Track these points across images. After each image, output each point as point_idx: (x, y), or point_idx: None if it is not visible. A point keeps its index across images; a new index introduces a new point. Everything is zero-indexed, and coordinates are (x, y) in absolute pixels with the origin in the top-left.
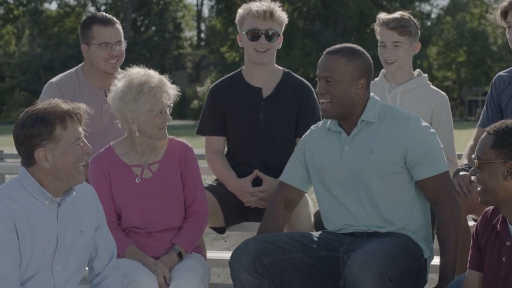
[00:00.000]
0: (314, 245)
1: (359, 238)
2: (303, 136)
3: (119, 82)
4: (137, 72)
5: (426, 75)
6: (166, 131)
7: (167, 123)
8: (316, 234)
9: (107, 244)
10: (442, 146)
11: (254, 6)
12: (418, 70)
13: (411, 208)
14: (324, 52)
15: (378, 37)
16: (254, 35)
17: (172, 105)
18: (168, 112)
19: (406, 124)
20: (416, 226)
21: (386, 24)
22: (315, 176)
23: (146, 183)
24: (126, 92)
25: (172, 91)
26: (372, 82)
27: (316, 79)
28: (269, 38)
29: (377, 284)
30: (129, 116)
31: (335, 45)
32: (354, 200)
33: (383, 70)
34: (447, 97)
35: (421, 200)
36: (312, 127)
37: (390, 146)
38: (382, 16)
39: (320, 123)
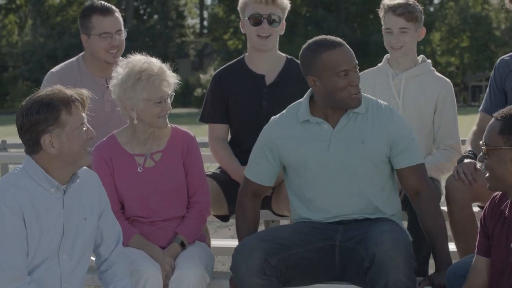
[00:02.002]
0: (310, 237)
1: (351, 225)
2: (265, 129)
3: (121, 68)
4: (139, 59)
5: (429, 61)
6: (167, 119)
7: (168, 111)
8: (306, 225)
9: (112, 229)
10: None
11: None
12: (422, 56)
13: (394, 195)
14: (336, 45)
15: (382, 23)
16: (256, 21)
17: (173, 93)
18: (168, 100)
19: (391, 115)
20: (398, 213)
21: (392, 10)
22: (291, 170)
23: (148, 172)
24: (125, 80)
25: (172, 79)
26: (374, 68)
27: (342, 73)
28: (271, 22)
29: (406, 262)
30: (128, 104)
31: (337, 31)
32: (341, 191)
33: (386, 56)
34: (451, 84)
35: (396, 189)
36: (273, 118)
37: (380, 136)
38: (388, 2)
39: (283, 114)
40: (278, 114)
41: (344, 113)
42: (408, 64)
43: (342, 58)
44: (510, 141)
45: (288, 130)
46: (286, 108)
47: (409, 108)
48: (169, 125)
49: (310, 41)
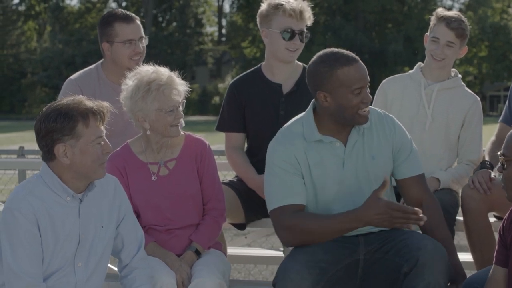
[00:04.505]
0: (339, 254)
1: (370, 237)
2: (272, 153)
3: (130, 80)
4: (147, 70)
5: (460, 75)
6: (179, 128)
7: (180, 119)
8: (329, 242)
9: (134, 234)
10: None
11: (286, 3)
12: (455, 70)
13: None
14: (352, 61)
15: (430, 31)
16: (289, 35)
17: (184, 101)
18: (180, 108)
19: (393, 124)
20: None
21: (447, 22)
22: (309, 189)
23: (162, 180)
24: (135, 91)
25: (182, 87)
26: (404, 74)
27: (357, 90)
28: (302, 38)
29: (446, 266)
30: (140, 115)
31: (355, 40)
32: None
33: (419, 64)
34: (480, 101)
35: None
36: (277, 140)
37: (387, 149)
38: (444, 12)
39: (286, 135)
40: (274, 139)
41: (352, 129)
42: (442, 76)
43: (359, 75)
44: None
45: (301, 149)
46: (283, 131)
47: (437, 119)
48: (182, 133)
49: (322, 55)
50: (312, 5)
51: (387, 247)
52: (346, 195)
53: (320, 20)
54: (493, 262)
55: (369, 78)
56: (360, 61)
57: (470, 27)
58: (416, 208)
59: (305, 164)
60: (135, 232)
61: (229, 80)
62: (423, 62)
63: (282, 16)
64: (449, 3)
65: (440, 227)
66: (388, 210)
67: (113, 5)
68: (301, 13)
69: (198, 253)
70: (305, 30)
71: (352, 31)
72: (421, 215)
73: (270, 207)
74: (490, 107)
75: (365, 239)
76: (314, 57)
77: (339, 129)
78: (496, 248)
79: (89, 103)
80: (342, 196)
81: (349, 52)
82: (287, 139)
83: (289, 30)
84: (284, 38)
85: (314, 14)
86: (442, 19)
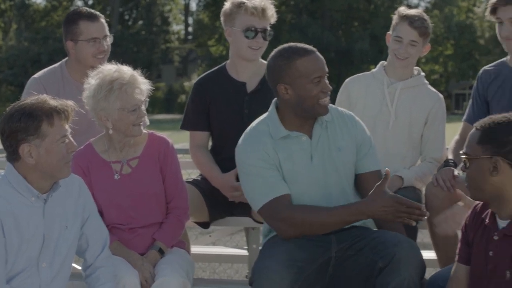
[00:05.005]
0: (314, 253)
1: (342, 234)
2: (241, 153)
3: (92, 79)
4: (109, 69)
5: (423, 74)
6: (142, 127)
7: (142, 119)
8: (302, 238)
9: (99, 234)
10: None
11: (248, 2)
12: (418, 68)
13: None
14: (309, 52)
15: (393, 30)
16: (252, 34)
17: (147, 100)
18: (143, 107)
19: (354, 119)
20: None
21: (410, 21)
22: None
23: (125, 179)
24: (97, 90)
25: (144, 86)
26: (367, 73)
27: (316, 80)
28: (265, 36)
29: (421, 263)
30: (102, 114)
31: (322, 39)
32: (329, 200)
33: (382, 63)
34: (443, 99)
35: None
36: (242, 146)
37: (350, 142)
38: (407, 11)
39: (253, 135)
40: (241, 141)
41: (315, 123)
42: (405, 74)
43: (317, 65)
44: (489, 151)
45: (263, 154)
46: (249, 132)
47: (400, 118)
48: (145, 131)
49: (280, 49)
50: (279, 4)
51: (360, 245)
52: (316, 187)
53: (287, 19)
54: (456, 259)
55: (327, 69)
56: (318, 52)
57: (433, 24)
58: (420, 204)
59: (276, 160)
60: (99, 231)
61: (195, 79)
62: None
63: (244, 14)
64: (415, 1)
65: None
66: (395, 203)
67: (80, 3)
68: (263, 11)
69: (161, 252)
70: (268, 28)
71: (318, 30)
72: (423, 209)
73: (257, 205)
74: (456, 105)
75: (337, 237)
76: (272, 52)
77: (302, 123)
78: (459, 245)
79: (53, 102)
80: (312, 189)
81: (306, 45)
82: (255, 139)
83: (252, 29)
84: (246, 37)
85: (280, 13)
86: (404, 18)
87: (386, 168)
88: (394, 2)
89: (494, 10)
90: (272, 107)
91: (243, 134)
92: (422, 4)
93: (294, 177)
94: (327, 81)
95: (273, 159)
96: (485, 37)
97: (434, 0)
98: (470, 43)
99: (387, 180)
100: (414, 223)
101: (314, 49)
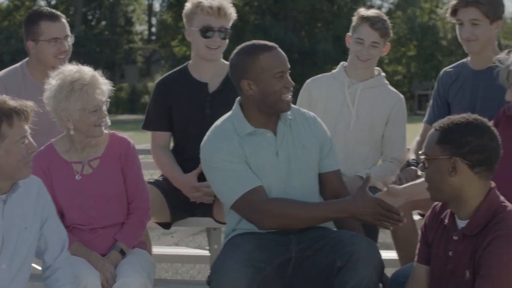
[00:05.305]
0: (273, 252)
1: (301, 235)
2: (214, 148)
3: (53, 80)
4: (70, 69)
5: (384, 74)
6: (103, 128)
7: (103, 119)
8: (261, 237)
9: (58, 236)
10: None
11: (205, 1)
12: (378, 69)
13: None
14: (271, 48)
15: (354, 32)
16: (207, 33)
17: (108, 100)
18: (104, 108)
19: (316, 120)
20: None
21: (371, 23)
22: None
23: (86, 179)
24: (58, 91)
25: (105, 86)
26: (328, 74)
27: (279, 74)
28: (223, 35)
29: (380, 262)
30: (63, 115)
31: (285, 40)
32: (292, 196)
33: (343, 64)
34: (404, 99)
35: None
36: (211, 139)
37: (314, 140)
38: (365, 12)
39: (218, 133)
40: (207, 138)
41: (278, 121)
42: (365, 75)
43: (279, 60)
44: (447, 151)
45: (231, 150)
46: (215, 130)
47: (361, 118)
48: (106, 132)
49: (242, 46)
50: (242, 5)
51: (319, 245)
52: (281, 183)
53: (250, 20)
54: (415, 260)
55: (289, 66)
56: (279, 48)
57: (393, 25)
58: (399, 210)
59: (243, 155)
60: (58, 233)
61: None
62: None
63: (201, 14)
64: (378, 2)
65: (354, 221)
66: (377, 205)
67: (42, 3)
68: (219, 10)
69: (122, 253)
70: (227, 27)
71: (282, 31)
72: (402, 216)
73: (232, 199)
74: (419, 106)
75: (297, 237)
76: (235, 50)
77: (267, 121)
78: (418, 245)
79: (12, 102)
80: (277, 185)
81: (268, 42)
82: (221, 136)
83: (209, 28)
84: (203, 36)
85: (243, 13)
86: (365, 19)
87: (368, 171)
88: (357, 3)
89: (454, 12)
90: (236, 105)
91: (208, 132)
92: (385, 5)
93: (261, 172)
94: (289, 78)
95: (240, 154)
96: (448, 38)
97: (397, 1)
98: (433, 44)
99: (369, 182)
100: (391, 228)
101: (276, 45)
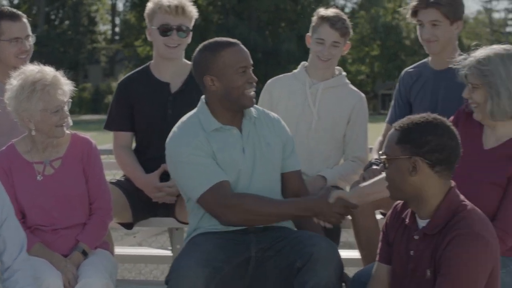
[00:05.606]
0: (232, 252)
1: (261, 235)
2: (180, 143)
3: (14, 80)
4: (31, 69)
5: (345, 73)
6: (64, 128)
7: (65, 120)
8: (221, 237)
9: (17, 237)
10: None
11: (165, 0)
12: (339, 68)
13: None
14: (234, 44)
15: (314, 32)
16: (165, 31)
17: (70, 101)
18: (65, 108)
19: (279, 121)
20: None
21: (331, 23)
22: None
23: (48, 180)
24: (19, 92)
25: (67, 87)
26: (289, 74)
27: (242, 70)
28: (181, 33)
29: (339, 263)
30: (25, 115)
31: (249, 40)
32: (256, 192)
33: (303, 63)
34: (365, 98)
35: None
36: (176, 135)
37: (278, 139)
38: (325, 12)
39: (180, 131)
40: (173, 134)
41: (244, 118)
42: (326, 75)
43: (242, 56)
44: (407, 151)
45: (198, 144)
46: (180, 126)
47: (323, 118)
48: (68, 132)
49: (205, 43)
50: (206, 4)
51: (280, 245)
52: (246, 180)
53: (214, 19)
54: (376, 259)
55: (252, 62)
56: (242, 45)
57: (356, 24)
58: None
59: (210, 151)
60: (17, 233)
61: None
62: None
63: (159, 12)
64: (342, 2)
65: (314, 222)
66: (344, 208)
67: (4, 2)
68: (177, 8)
69: (85, 254)
70: (187, 26)
71: (245, 30)
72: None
73: (198, 192)
74: (382, 105)
75: (257, 237)
76: (198, 48)
77: (232, 118)
78: (379, 245)
79: None
80: (242, 181)
81: (230, 38)
82: (187, 131)
83: (167, 26)
84: (162, 35)
85: (207, 13)
86: (325, 20)
87: (330, 171)
88: (320, 3)
89: (415, 13)
90: (201, 103)
91: (174, 129)
92: (349, 4)
93: (227, 168)
94: (252, 74)
95: (208, 149)
96: (411, 38)
97: (361, 1)
98: (396, 44)
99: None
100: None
101: (239, 42)
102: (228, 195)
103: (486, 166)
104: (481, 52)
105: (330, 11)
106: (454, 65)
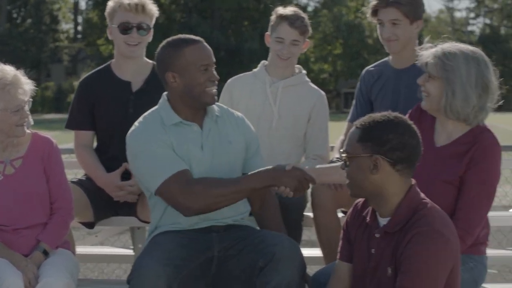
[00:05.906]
0: (193, 251)
1: (224, 234)
2: (141, 135)
3: None
4: None
5: (305, 72)
6: (25, 127)
7: (26, 119)
8: (183, 236)
9: None
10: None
11: None
12: (299, 66)
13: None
14: (197, 41)
15: (273, 31)
16: (125, 29)
17: (31, 100)
18: (26, 107)
19: (243, 119)
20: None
21: (290, 21)
22: None
23: (9, 179)
24: None
25: (28, 86)
26: (249, 73)
27: (203, 67)
28: (141, 31)
29: (302, 263)
30: None
31: (211, 38)
32: None
33: (263, 62)
34: (325, 96)
35: None
36: (136, 129)
37: (241, 138)
38: (284, 11)
39: (144, 123)
40: (134, 128)
41: (206, 116)
42: (286, 73)
43: (204, 53)
44: (368, 149)
45: (158, 136)
46: (141, 120)
47: (284, 116)
48: (29, 131)
49: (168, 40)
50: (169, 3)
51: (242, 245)
52: (203, 175)
53: (176, 18)
54: (337, 257)
55: (214, 60)
56: (205, 42)
57: (314, 22)
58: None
59: (170, 144)
60: None
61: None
62: None
63: (119, 10)
64: (304, 1)
65: (276, 222)
66: (302, 174)
67: None
68: (137, 6)
69: (45, 253)
70: (147, 24)
71: (208, 29)
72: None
73: (157, 183)
74: (345, 104)
75: (219, 236)
76: (161, 44)
77: (193, 115)
78: (340, 243)
79: None
80: (199, 176)
81: (193, 36)
82: (147, 126)
83: (126, 24)
84: (122, 33)
85: (170, 12)
86: (284, 18)
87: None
88: (283, 2)
89: (375, 12)
90: (163, 99)
91: (135, 123)
92: (312, 3)
93: (186, 163)
94: (214, 72)
95: (168, 142)
96: (374, 37)
97: (324, 0)
98: (359, 43)
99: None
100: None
101: (202, 39)
102: (189, 181)
103: (438, 164)
104: (449, 46)
105: (289, 10)
106: (419, 51)
